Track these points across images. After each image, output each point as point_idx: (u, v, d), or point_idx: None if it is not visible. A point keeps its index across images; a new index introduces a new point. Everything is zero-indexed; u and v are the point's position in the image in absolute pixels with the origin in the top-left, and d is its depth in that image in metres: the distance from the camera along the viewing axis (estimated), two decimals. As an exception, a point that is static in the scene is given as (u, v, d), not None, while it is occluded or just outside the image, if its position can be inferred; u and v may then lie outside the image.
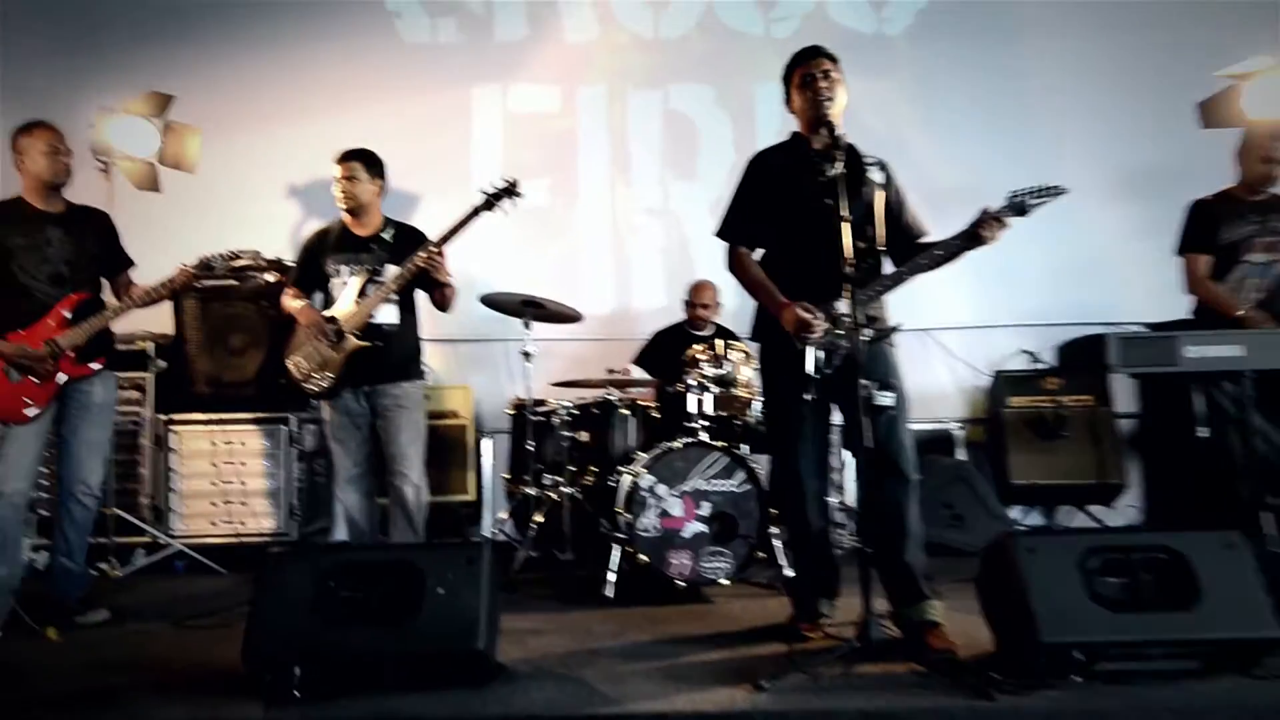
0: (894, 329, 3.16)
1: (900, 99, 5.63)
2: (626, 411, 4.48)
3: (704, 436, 3.98)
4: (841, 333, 2.96)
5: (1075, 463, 4.99)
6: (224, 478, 4.70)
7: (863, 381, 2.78)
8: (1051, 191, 3.00)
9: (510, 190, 3.96)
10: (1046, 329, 5.50)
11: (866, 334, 2.90)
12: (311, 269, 3.91)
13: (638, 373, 5.01)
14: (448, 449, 4.98)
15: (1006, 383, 5.25)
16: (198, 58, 5.57)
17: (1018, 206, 3.01)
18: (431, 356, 5.38)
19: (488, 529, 5.15)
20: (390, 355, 3.82)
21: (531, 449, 4.39)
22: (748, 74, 5.65)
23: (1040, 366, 5.36)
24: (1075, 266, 5.45)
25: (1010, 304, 5.48)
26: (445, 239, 3.88)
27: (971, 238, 3.00)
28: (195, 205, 5.30)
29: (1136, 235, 5.35)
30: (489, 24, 5.73)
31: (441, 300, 3.98)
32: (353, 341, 3.71)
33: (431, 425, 4.82)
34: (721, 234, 3.27)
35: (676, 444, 3.87)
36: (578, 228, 5.69)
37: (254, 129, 5.55)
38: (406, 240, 3.94)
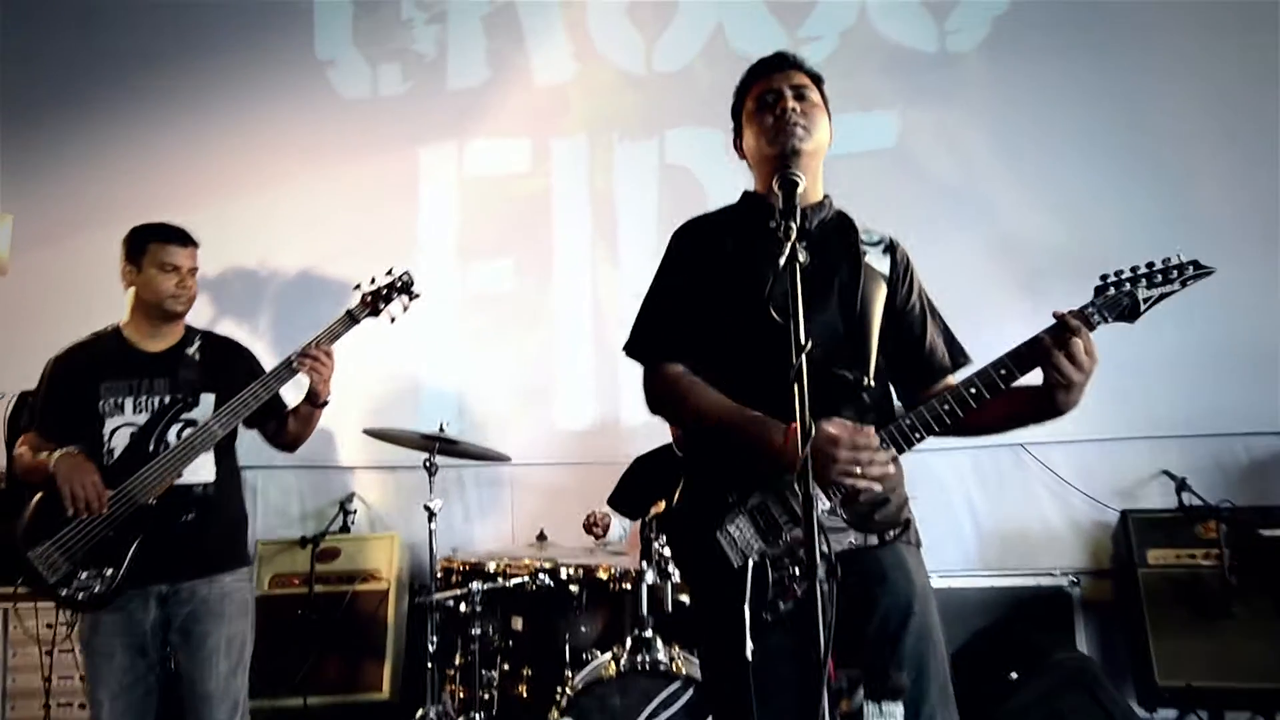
0: (903, 526, 1.82)
1: (973, 135, 4.19)
2: (576, 587, 3.14)
3: (661, 652, 2.61)
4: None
5: (1253, 655, 3.35)
6: None
7: (841, 679, 1.42)
8: (1182, 275, 1.72)
9: (396, 290, 2.78)
10: (1197, 442, 3.89)
11: (851, 540, 1.72)
12: (69, 405, 2.70)
13: (615, 525, 3.66)
14: (357, 628, 3.73)
15: (1142, 527, 3.67)
16: (68, 127, 4.61)
17: (1119, 304, 1.71)
18: (362, 485, 4.32)
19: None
20: (204, 534, 2.63)
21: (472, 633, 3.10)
22: (769, 112, 4.33)
23: (1193, 503, 3.75)
24: (1234, 355, 3.84)
25: (1145, 407, 3.88)
26: (318, 342, 2.72)
27: (1031, 360, 1.73)
28: (73, 310, 4.27)
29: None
30: (441, 69, 4.59)
31: (298, 431, 2.80)
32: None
33: (337, 593, 3.62)
34: (631, 349, 2.02)
35: (610, 666, 2.52)
36: (551, 318, 4.41)
37: (144, 210, 4.51)
38: (222, 357, 2.80)
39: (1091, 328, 1.70)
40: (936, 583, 3.90)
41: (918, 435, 1.76)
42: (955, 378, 1.96)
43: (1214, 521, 3.56)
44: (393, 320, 2.96)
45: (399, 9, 4.62)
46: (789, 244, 1.53)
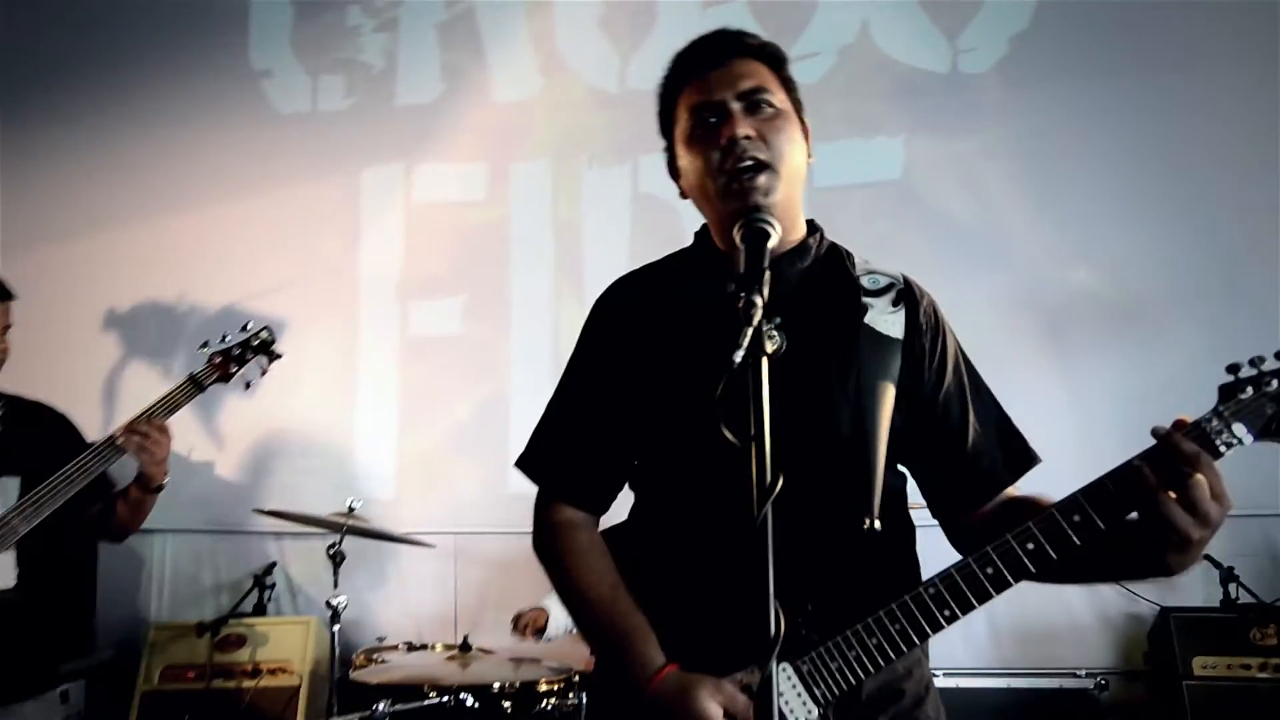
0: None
1: (988, 167, 3.68)
2: (510, 705, 2.57)
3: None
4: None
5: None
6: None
7: None
8: None
9: (252, 349, 2.26)
10: (1246, 523, 3.35)
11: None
12: None
13: (557, 619, 3.09)
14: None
15: (1186, 630, 3.11)
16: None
17: (1262, 413, 1.16)
18: (287, 554, 3.75)
19: None
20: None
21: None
22: (756, 136, 3.82)
23: (1243, 596, 3.20)
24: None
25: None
26: (151, 415, 2.19)
27: (1123, 504, 1.17)
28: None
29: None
30: (389, 82, 4.07)
31: (127, 519, 2.29)
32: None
33: (236, 689, 3.07)
34: (525, 467, 1.49)
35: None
36: (505, 365, 3.86)
37: (45, 235, 4.00)
38: (31, 429, 2.29)
39: (1217, 454, 1.15)
40: (943, 682, 3.36)
41: (946, 614, 1.21)
42: (1017, 488, 1.41)
43: (1273, 626, 3.01)
44: (248, 386, 2.46)
45: (344, 15, 4.12)
46: (748, 329, 1.00)
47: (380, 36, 4.09)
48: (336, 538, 2.72)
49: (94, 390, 3.87)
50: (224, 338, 2.41)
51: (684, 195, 1.45)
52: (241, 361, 2.38)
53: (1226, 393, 1.17)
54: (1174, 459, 1.12)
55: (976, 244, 3.62)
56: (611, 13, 3.99)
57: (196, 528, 3.81)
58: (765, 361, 1.01)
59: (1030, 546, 1.18)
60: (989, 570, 1.19)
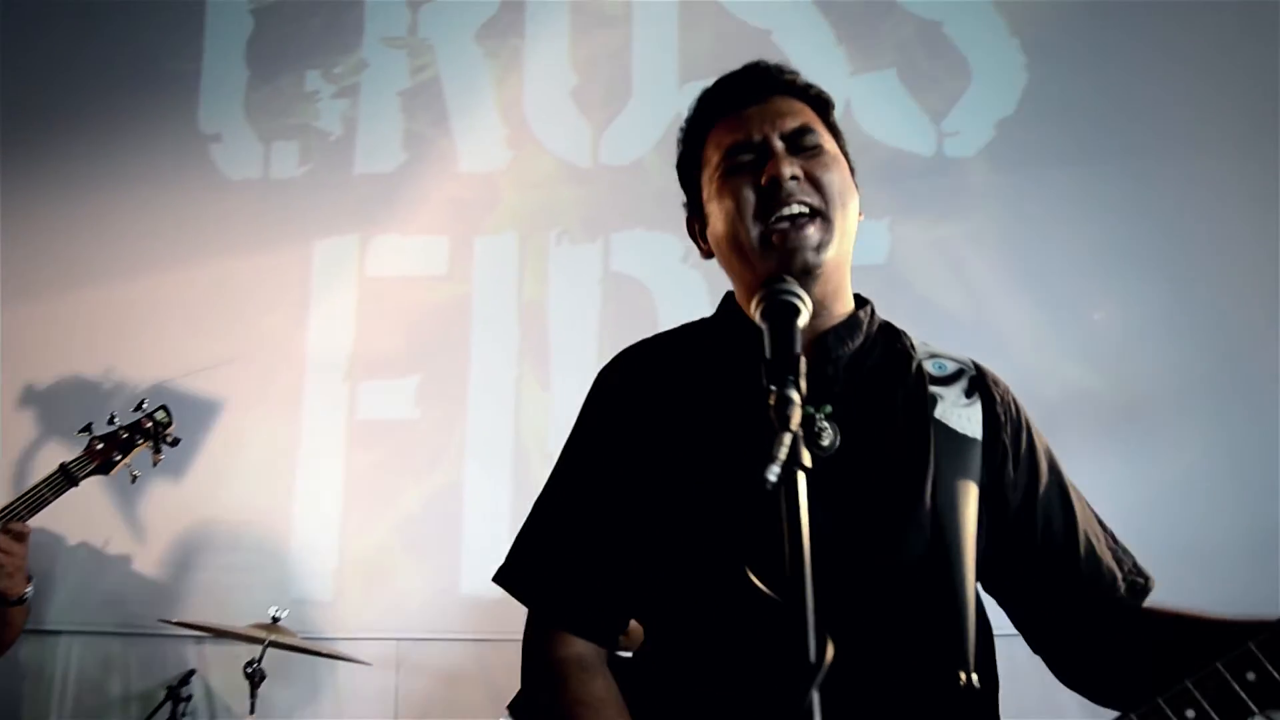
0: None
1: (976, 253, 3.52)
2: None
3: None
4: None
5: None
6: None
7: None
8: None
9: (142, 434, 1.95)
10: None
11: None
12: None
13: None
14: None
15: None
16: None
17: None
18: (207, 660, 3.26)
19: None
20: None
21: None
22: (734, 216, 3.63)
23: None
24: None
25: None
26: (10, 514, 1.87)
27: None
28: None
29: None
30: (347, 150, 3.85)
31: None
32: None
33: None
34: (509, 583, 1.23)
35: None
36: (461, 453, 3.55)
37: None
38: None
39: None
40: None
41: None
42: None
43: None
44: (134, 479, 2.14)
45: (301, 80, 3.91)
46: (784, 436, 0.74)
47: (339, 103, 3.89)
48: (257, 651, 2.37)
49: (3, 474, 3.50)
50: (111, 419, 2.08)
51: (707, 255, 1.21)
52: (128, 448, 2.07)
53: None
54: None
55: (964, 332, 3.42)
56: (584, 86, 3.83)
57: (107, 629, 3.40)
58: (810, 463, 0.75)
59: (1190, 714, 0.90)
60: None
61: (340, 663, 3.30)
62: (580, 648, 1.13)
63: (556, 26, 3.89)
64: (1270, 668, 0.89)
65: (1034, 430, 1.22)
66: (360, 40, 3.92)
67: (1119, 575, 1.17)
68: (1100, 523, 1.22)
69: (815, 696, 0.68)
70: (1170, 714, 0.91)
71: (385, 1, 3.96)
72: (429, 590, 3.40)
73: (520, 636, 3.39)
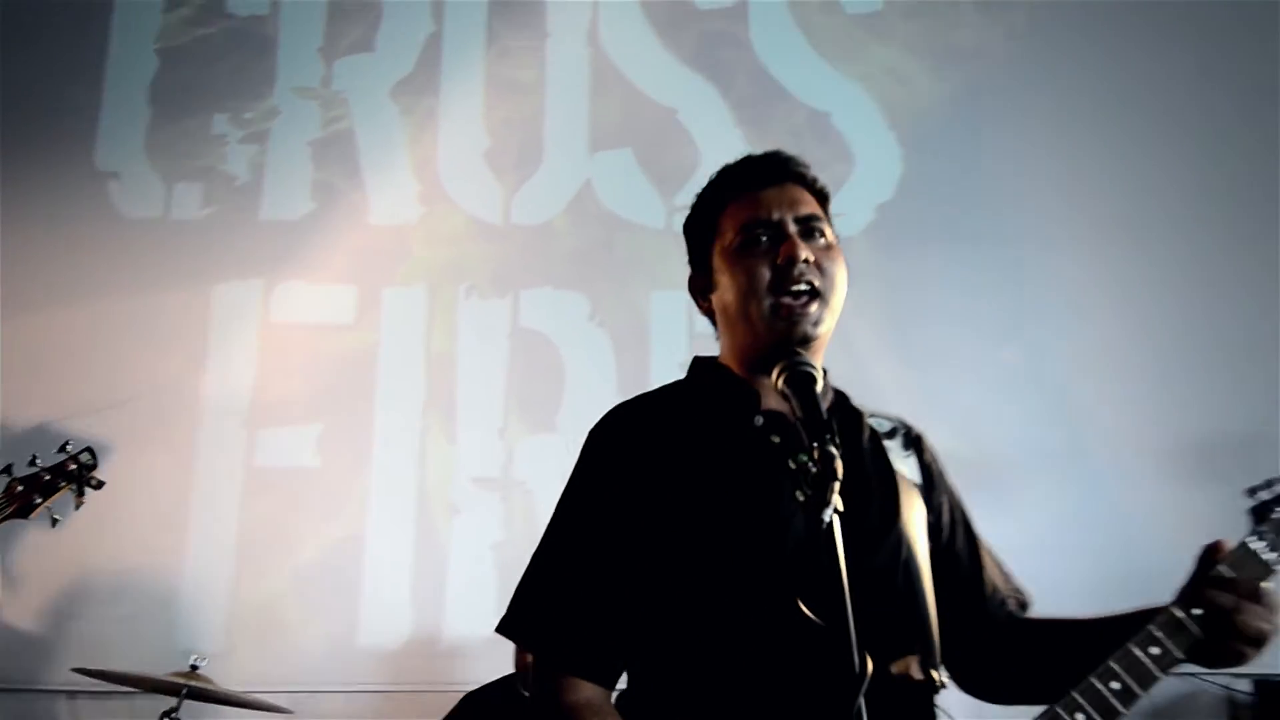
0: None
1: (859, 324, 3.81)
2: None
3: None
4: None
5: None
6: None
7: None
8: None
9: (65, 476, 1.93)
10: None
11: None
12: None
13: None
14: None
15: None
16: None
17: None
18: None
19: None
20: None
21: None
22: (640, 280, 3.81)
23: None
24: (1125, 584, 3.48)
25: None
26: None
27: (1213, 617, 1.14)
28: None
29: (1218, 533, 3.47)
30: (254, 195, 3.83)
31: None
32: None
33: None
34: (514, 632, 1.27)
35: None
36: (362, 503, 3.54)
37: None
38: None
39: (1269, 571, 1.15)
40: None
41: None
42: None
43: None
44: (55, 523, 2.09)
45: (208, 123, 3.89)
46: (834, 484, 0.90)
47: (248, 148, 3.87)
48: (160, 700, 2.31)
49: None
50: (33, 460, 2.02)
51: (706, 313, 1.35)
52: (50, 491, 2.01)
53: (1259, 514, 1.19)
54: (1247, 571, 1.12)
55: (851, 393, 3.70)
56: (497, 146, 3.96)
57: (-28, 685, 3.19)
58: (835, 519, 0.91)
59: (1115, 687, 1.10)
60: (1080, 717, 1.09)
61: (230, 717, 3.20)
62: (589, 692, 1.18)
63: (470, 88, 4.02)
64: (1170, 644, 1.12)
65: (949, 478, 1.41)
66: (272, 88, 3.94)
67: (1009, 593, 1.38)
68: (989, 548, 1.43)
69: (862, 703, 0.82)
70: (1101, 688, 1.11)
71: (299, 52, 3.99)
72: (326, 642, 3.36)
73: (419, 687, 3.38)
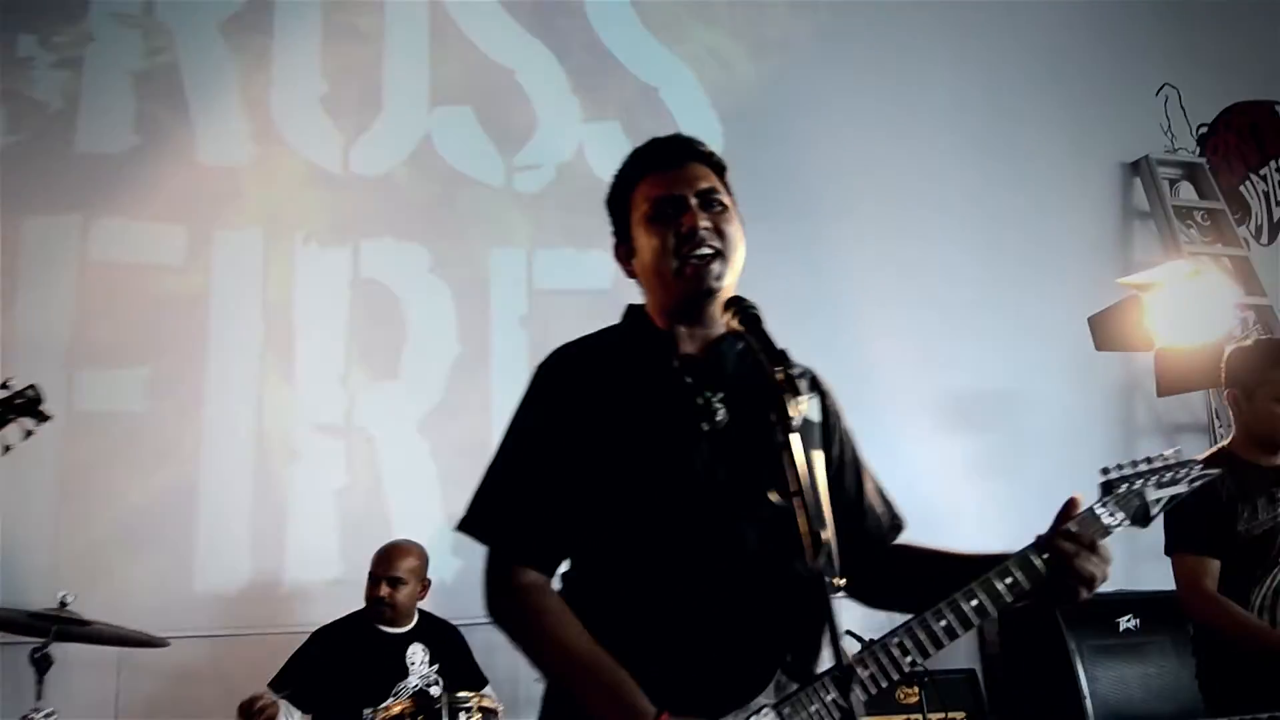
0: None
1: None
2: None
3: None
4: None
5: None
6: None
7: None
8: (1189, 475, 1.56)
9: (13, 409, 1.92)
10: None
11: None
12: None
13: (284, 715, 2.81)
14: None
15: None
16: None
17: (1130, 505, 1.53)
18: None
19: None
20: None
21: None
22: (481, 234, 3.95)
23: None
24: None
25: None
26: None
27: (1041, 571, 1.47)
28: None
29: (976, 475, 4.15)
30: (68, 125, 3.61)
31: None
32: None
33: None
34: (473, 528, 1.47)
35: None
36: (196, 448, 3.49)
37: None
38: None
39: (1106, 532, 1.49)
40: None
41: (910, 660, 1.39)
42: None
43: (916, 687, 3.61)
44: (6, 449, 2.07)
45: (13, 44, 3.61)
46: (799, 400, 1.18)
47: (59, 74, 3.63)
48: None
49: None
50: None
51: (630, 275, 1.57)
52: None
53: (1107, 488, 1.53)
54: (1067, 534, 1.45)
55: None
56: (334, 93, 3.94)
57: None
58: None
59: (974, 602, 1.43)
60: (942, 623, 1.41)
61: (55, 671, 3.10)
62: (534, 576, 1.43)
63: (307, 31, 3.95)
64: (1020, 575, 1.45)
65: (843, 415, 1.71)
66: (86, 11, 3.70)
67: (885, 516, 1.70)
68: (875, 478, 1.74)
69: (831, 553, 1.10)
70: (962, 604, 1.42)
71: (118, -25, 3.77)
72: (158, 588, 3.31)
73: (257, 631, 3.41)
